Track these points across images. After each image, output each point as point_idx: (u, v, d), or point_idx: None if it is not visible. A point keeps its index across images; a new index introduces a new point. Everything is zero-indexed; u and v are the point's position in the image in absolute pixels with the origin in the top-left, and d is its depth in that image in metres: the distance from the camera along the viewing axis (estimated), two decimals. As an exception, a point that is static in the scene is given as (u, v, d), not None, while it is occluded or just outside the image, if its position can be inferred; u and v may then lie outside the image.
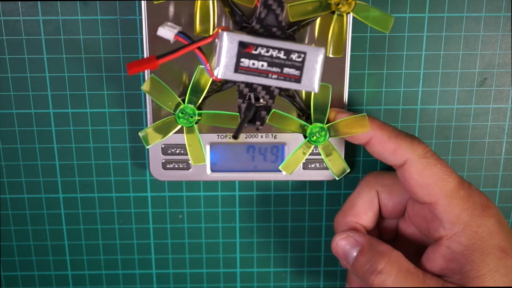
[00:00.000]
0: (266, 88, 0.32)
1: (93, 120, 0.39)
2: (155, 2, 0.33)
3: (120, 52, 0.37)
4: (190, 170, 0.38)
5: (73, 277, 0.43)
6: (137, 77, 0.38)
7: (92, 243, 0.42)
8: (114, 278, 0.43)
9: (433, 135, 0.40)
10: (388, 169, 0.37)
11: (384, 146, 0.33)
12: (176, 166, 0.38)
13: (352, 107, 0.39)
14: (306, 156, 0.35)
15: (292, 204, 0.42)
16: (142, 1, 0.34)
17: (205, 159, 0.35)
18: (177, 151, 0.38)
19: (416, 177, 0.33)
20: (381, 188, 0.37)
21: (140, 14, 0.36)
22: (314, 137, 0.34)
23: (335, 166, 0.36)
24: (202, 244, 0.42)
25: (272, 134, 0.37)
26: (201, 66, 0.33)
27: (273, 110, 0.33)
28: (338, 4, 0.32)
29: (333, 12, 0.32)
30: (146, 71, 0.35)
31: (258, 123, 0.33)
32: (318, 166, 0.38)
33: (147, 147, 0.35)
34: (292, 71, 0.31)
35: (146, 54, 0.35)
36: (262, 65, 0.31)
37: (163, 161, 0.38)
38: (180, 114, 0.34)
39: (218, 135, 0.37)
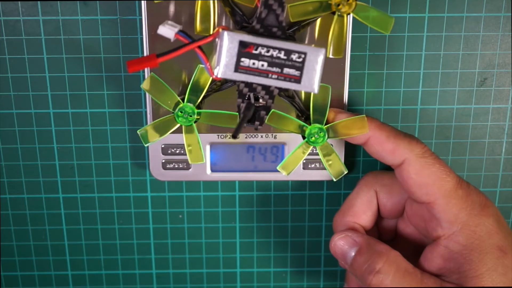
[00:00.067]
0: (266, 88, 0.32)
1: (93, 120, 0.39)
2: (156, 1, 0.33)
3: (120, 52, 0.37)
4: (190, 170, 0.38)
5: (73, 277, 0.43)
6: (137, 77, 0.38)
7: (92, 243, 0.42)
8: (114, 278, 0.43)
9: (433, 135, 0.40)
10: (387, 169, 0.37)
11: (383, 146, 0.33)
12: (176, 166, 0.38)
13: (352, 107, 0.39)
14: (304, 157, 0.35)
15: (292, 204, 0.42)
16: (142, 1, 0.34)
17: (203, 159, 0.35)
18: (177, 151, 0.38)
19: (414, 176, 0.33)
20: (380, 188, 0.37)
21: (140, 14, 0.36)
22: (313, 138, 0.34)
23: (333, 167, 0.36)
24: (202, 244, 0.42)
25: (272, 134, 0.37)
26: (201, 65, 0.33)
27: (273, 110, 0.33)
28: (338, 5, 0.32)
29: (333, 13, 0.32)
30: (146, 70, 0.35)
31: (257, 123, 0.33)
32: (318, 166, 0.38)
33: (145, 145, 0.35)
34: (292, 71, 0.31)
35: (146, 54, 0.35)
36: (262, 65, 0.31)
37: (163, 161, 0.38)
38: (179, 113, 0.34)
39: (218, 135, 0.37)
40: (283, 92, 0.34)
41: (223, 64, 0.30)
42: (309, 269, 0.43)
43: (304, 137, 0.35)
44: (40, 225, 0.41)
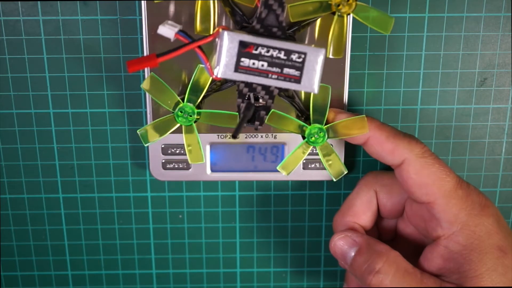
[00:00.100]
0: (266, 88, 0.32)
1: (93, 120, 0.39)
2: (156, 1, 0.33)
3: (120, 52, 0.37)
4: (190, 170, 0.38)
5: (73, 277, 0.43)
6: (137, 77, 0.38)
7: (92, 243, 0.42)
8: (114, 278, 0.43)
9: (433, 135, 0.40)
10: (387, 169, 0.37)
11: (382, 146, 0.33)
12: (176, 166, 0.38)
13: (352, 107, 0.39)
14: (304, 157, 0.35)
15: (292, 204, 0.42)
16: (142, 1, 0.34)
17: (203, 159, 0.35)
18: (177, 151, 0.38)
19: (414, 176, 0.33)
20: (380, 188, 0.37)
21: (140, 14, 0.36)
22: (313, 138, 0.34)
23: (332, 167, 0.36)
24: (202, 244, 0.42)
25: (272, 134, 0.37)
26: (201, 65, 0.33)
27: (272, 110, 0.33)
28: (338, 5, 0.32)
29: (333, 13, 0.32)
30: (146, 70, 0.35)
31: (257, 123, 0.33)
32: (318, 166, 0.38)
33: (145, 145, 0.35)
34: (292, 71, 0.31)
35: (146, 54, 0.35)
36: (262, 65, 0.31)
37: (163, 161, 0.38)
38: (179, 113, 0.34)
39: (218, 135, 0.37)
40: (283, 92, 0.34)
41: (223, 64, 0.30)
42: (309, 269, 0.43)
43: (304, 137, 0.35)
44: (40, 225, 0.41)
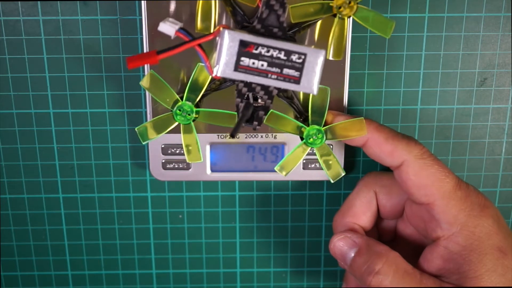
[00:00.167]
0: (265, 88, 0.32)
1: (93, 120, 0.39)
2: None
3: (120, 52, 0.37)
4: (190, 170, 0.38)
5: (73, 277, 0.43)
6: (137, 77, 0.38)
7: (92, 243, 0.42)
8: (114, 278, 0.43)
9: (433, 135, 0.40)
10: (387, 169, 0.37)
11: (381, 148, 0.33)
12: (176, 166, 0.38)
13: (352, 107, 0.39)
14: (302, 158, 0.35)
15: (292, 204, 0.42)
16: (142, 1, 0.34)
17: (201, 158, 0.35)
18: (177, 151, 0.38)
19: (413, 178, 0.33)
20: (380, 188, 0.37)
21: (140, 14, 0.36)
22: (311, 139, 0.34)
23: (330, 169, 0.36)
24: (202, 244, 0.42)
25: (272, 134, 0.37)
26: (200, 63, 0.33)
27: (271, 110, 0.33)
28: (340, 7, 0.32)
29: (334, 15, 0.32)
30: (146, 69, 0.35)
31: (255, 123, 0.33)
32: (318, 166, 0.38)
33: (143, 143, 0.35)
34: (291, 72, 0.31)
35: (146, 53, 0.35)
36: (262, 65, 0.31)
37: (163, 161, 0.38)
38: (178, 111, 0.34)
39: (218, 135, 0.37)
40: (282, 92, 0.34)
41: (223, 62, 0.30)
42: (309, 269, 0.43)
43: (302, 138, 0.35)
44: (40, 225, 0.41)
